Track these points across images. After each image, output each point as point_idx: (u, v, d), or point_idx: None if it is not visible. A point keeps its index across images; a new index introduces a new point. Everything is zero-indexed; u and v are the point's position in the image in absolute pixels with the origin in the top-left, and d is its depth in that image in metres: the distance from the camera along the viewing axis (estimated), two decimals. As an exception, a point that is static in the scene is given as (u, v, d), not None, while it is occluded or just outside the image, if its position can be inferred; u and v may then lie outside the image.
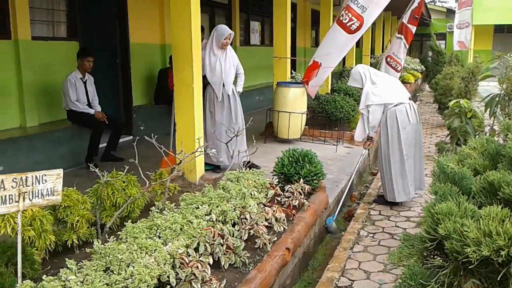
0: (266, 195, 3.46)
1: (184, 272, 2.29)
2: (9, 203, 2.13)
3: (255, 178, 3.59)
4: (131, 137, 6.26)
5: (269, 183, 3.67)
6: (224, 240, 2.65)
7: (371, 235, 4.03)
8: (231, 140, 4.16)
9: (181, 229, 2.62)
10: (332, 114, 6.81)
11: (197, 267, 2.33)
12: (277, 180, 3.87)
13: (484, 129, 6.17)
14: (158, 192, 3.50)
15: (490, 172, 1.86)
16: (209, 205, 2.97)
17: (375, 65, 9.87)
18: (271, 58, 7.10)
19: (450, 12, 26.16)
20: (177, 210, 2.91)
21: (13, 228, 2.33)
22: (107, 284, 2.05)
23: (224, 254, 2.60)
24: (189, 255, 2.43)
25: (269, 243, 2.90)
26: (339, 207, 4.45)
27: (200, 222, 2.69)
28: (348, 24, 5.85)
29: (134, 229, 2.54)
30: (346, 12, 5.85)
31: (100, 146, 5.16)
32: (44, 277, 2.06)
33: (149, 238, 2.49)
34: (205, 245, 2.54)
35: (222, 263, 2.57)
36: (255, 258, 2.77)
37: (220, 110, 4.69)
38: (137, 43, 6.60)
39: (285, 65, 6.90)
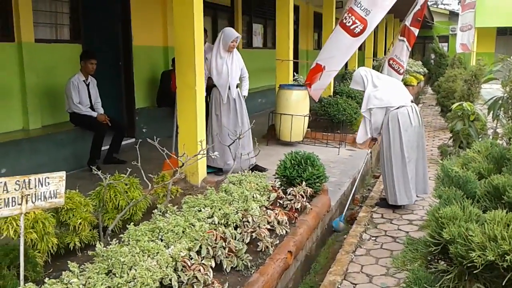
0: (269, 198, 3.45)
1: (186, 275, 2.28)
2: (12, 206, 2.13)
3: (258, 180, 3.59)
4: (133, 140, 6.26)
5: (271, 186, 3.66)
6: (226, 243, 2.64)
7: (374, 238, 4.01)
8: (233, 142, 4.16)
9: (183, 232, 2.62)
10: (335, 116, 6.80)
11: (199, 270, 2.33)
12: (279, 183, 3.87)
13: (487, 132, 6.15)
14: (160, 194, 3.50)
15: (494, 176, 1.85)
16: (211, 208, 2.97)
17: (378, 67, 9.87)
18: (273, 60, 7.11)
19: (452, 15, 26.14)
20: (179, 213, 2.91)
21: (16, 231, 2.33)
22: (109, 287, 2.04)
23: (226, 257, 2.59)
24: (191, 258, 2.42)
25: (271, 246, 2.89)
26: (346, 208, 4.51)
27: (202, 225, 2.69)
28: (351, 27, 5.83)
29: (136, 232, 2.54)
30: (349, 15, 5.83)
31: (103, 148, 5.17)
32: (46, 279, 2.06)
33: (151, 241, 2.49)
34: (207, 248, 2.53)
35: (224, 266, 2.56)
36: (257, 261, 2.76)
37: (226, 113, 4.71)
38: (140, 46, 6.61)
39: (288, 67, 6.90)
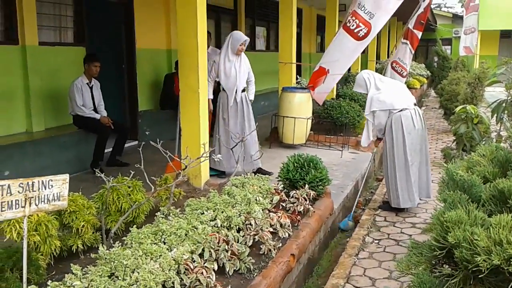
0: (271, 200, 3.44)
1: (189, 278, 2.28)
2: (16, 208, 2.13)
3: (260, 183, 3.58)
4: (136, 142, 6.27)
5: (274, 189, 3.65)
6: (229, 246, 2.64)
7: (377, 241, 3.99)
8: (236, 145, 4.16)
9: (186, 234, 2.61)
10: (338, 119, 6.79)
11: (202, 273, 2.32)
12: (282, 185, 3.86)
13: (491, 135, 6.12)
14: (163, 197, 3.50)
15: (500, 180, 1.84)
16: (214, 211, 2.96)
17: (381, 70, 9.85)
18: (276, 63, 7.11)
19: (456, 18, 26.12)
20: (182, 216, 2.91)
21: (19, 233, 2.33)
22: (112, 290, 2.04)
23: (229, 260, 2.59)
24: (194, 261, 2.41)
25: (274, 249, 2.88)
26: (354, 208, 4.58)
27: (205, 227, 2.68)
28: (355, 31, 5.81)
29: (139, 235, 2.54)
30: (353, 18, 5.82)
31: (106, 151, 5.18)
32: (49, 282, 2.06)
33: (154, 243, 2.48)
34: (210, 251, 2.53)
35: (227, 269, 2.56)
36: (260, 264, 2.75)
37: (233, 117, 4.71)
38: (143, 49, 6.63)
39: (291, 70, 6.90)
